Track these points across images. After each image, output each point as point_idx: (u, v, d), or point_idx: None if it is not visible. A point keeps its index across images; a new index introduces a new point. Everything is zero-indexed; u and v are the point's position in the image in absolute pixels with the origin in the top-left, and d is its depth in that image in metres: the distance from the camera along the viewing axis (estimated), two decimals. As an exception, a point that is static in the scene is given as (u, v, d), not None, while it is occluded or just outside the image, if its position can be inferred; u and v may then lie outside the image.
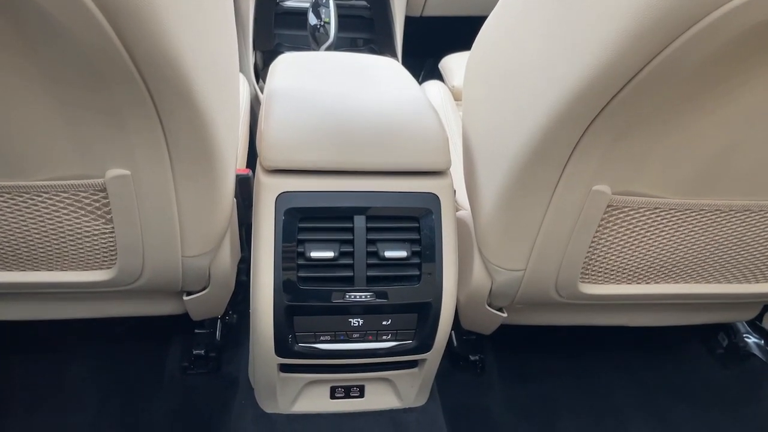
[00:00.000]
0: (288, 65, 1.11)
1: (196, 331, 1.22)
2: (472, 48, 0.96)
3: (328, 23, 1.51)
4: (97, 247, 0.86)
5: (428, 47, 2.11)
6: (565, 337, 1.34)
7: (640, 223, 0.88)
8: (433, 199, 0.88)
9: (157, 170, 0.74)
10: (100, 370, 1.21)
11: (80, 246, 0.85)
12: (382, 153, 0.86)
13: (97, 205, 0.80)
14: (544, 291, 0.97)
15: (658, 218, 0.88)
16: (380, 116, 0.91)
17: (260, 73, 1.76)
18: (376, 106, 0.93)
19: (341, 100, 0.94)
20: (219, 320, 1.24)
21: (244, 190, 0.99)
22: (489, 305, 1.03)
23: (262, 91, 1.54)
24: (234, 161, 0.90)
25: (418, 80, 2.03)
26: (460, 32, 2.04)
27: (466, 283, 1.00)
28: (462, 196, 1.11)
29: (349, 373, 1.02)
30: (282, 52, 1.75)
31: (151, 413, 1.13)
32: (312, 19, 1.52)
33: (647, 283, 1.00)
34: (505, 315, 1.05)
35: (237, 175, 1.08)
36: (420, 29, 2.05)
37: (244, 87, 1.48)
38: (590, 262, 0.93)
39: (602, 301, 1.00)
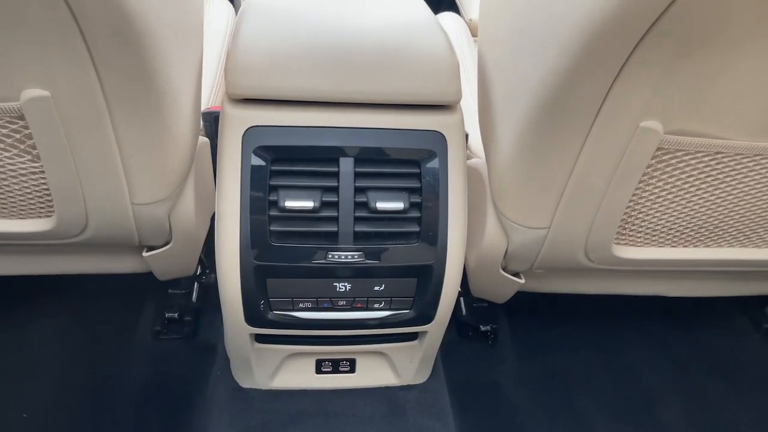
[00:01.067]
0: None
1: (170, 291, 1.08)
2: None
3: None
4: (29, 192, 0.72)
5: None
6: (589, 304, 1.22)
7: (695, 172, 0.73)
8: (439, 138, 0.73)
9: (83, 91, 0.60)
10: (65, 332, 1.10)
11: (9, 190, 0.71)
12: (376, 80, 0.71)
13: (18, 137, 0.66)
14: (571, 254, 0.84)
15: (719, 165, 0.73)
16: (376, 35, 0.74)
17: None
18: (371, 24, 0.76)
19: (329, 15, 0.77)
20: (195, 280, 1.10)
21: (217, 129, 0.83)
22: (503, 269, 0.90)
23: None
24: (194, 91, 0.74)
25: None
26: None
27: (477, 243, 0.87)
28: (475, 142, 0.95)
29: (337, 346, 0.89)
30: None
31: (119, 381, 1.03)
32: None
33: (695, 246, 0.86)
34: (522, 281, 0.92)
35: (209, 113, 0.92)
36: None
37: (229, 13, 1.30)
38: (629, 219, 0.79)
39: (638, 266, 0.88)
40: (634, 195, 0.74)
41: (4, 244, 0.85)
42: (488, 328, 1.14)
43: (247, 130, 0.70)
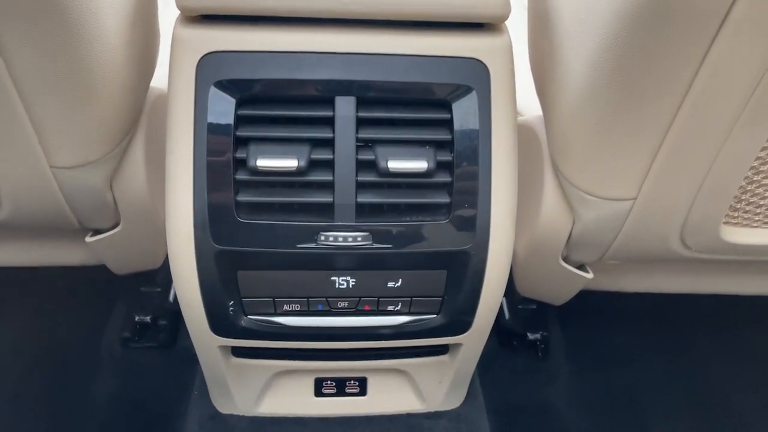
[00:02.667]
0: None
1: (142, 289, 0.91)
2: None
3: None
4: None
5: None
6: (663, 304, 1.06)
7: None
8: (478, 68, 0.55)
9: None
10: (20, 337, 0.97)
11: None
12: None
13: None
14: (662, 238, 0.65)
15: None
16: None
17: None
18: None
19: None
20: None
21: None
22: (564, 260, 0.71)
23: None
24: (131, 22, 0.56)
25: None
26: None
27: (530, 222, 0.68)
28: (523, 94, 0.74)
29: (342, 361, 0.72)
30: None
31: (79, 396, 0.89)
32: None
33: None
34: (589, 276, 0.73)
35: None
36: None
37: None
38: (747, 191, 0.61)
39: (752, 255, 0.70)
40: (757, 159, 0.56)
41: None
42: (537, 336, 0.98)
43: (203, 57, 0.53)
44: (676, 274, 0.84)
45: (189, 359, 0.90)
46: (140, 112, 0.62)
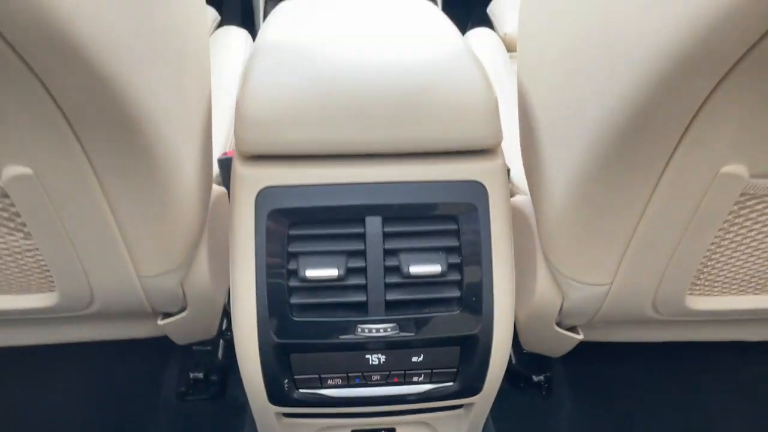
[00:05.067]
0: (288, 11, 0.85)
1: (195, 348, 1.01)
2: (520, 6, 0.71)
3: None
4: (27, 268, 0.66)
5: None
6: (659, 343, 1.06)
7: None
8: (478, 189, 0.64)
9: (69, 167, 0.53)
10: (84, 395, 1.05)
11: (5, 267, 0.66)
12: (404, 126, 0.62)
13: (6, 215, 0.59)
14: (637, 308, 0.74)
15: None
16: (402, 74, 0.65)
17: None
18: (396, 61, 0.67)
19: (349, 53, 0.69)
20: (219, 336, 1.02)
21: None
22: (558, 324, 0.80)
23: None
24: (201, 151, 0.67)
25: (463, 32, 1.67)
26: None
27: (528, 297, 0.77)
28: (518, 175, 0.84)
29: (375, 417, 0.79)
30: None
31: None
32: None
33: None
34: (579, 337, 0.82)
35: (225, 159, 0.85)
36: None
37: (246, 46, 1.23)
38: (705, 270, 0.69)
39: (715, 317, 0.77)
40: (712, 244, 0.64)
41: (10, 319, 0.79)
42: (541, 378, 1.04)
43: (260, 191, 0.62)
44: (656, 329, 0.90)
45: (237, 408, 0.99)
46: (204, 224, 0.73)
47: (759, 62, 0.43)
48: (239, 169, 0.63)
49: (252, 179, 0.63)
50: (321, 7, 0.86)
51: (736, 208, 0.60)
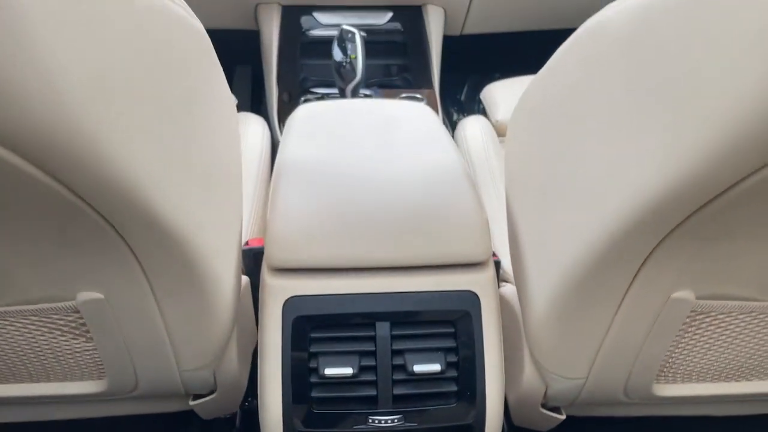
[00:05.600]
0: (303, 123, 0.98)
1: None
2: (509, 121, 0.81)
3: (355, 59, 1.36)
4: (82, 362, 0.76)
5: (470, 67, 1.93)
6: None
7: (731, 326, 0.74)
8: (471, 298, 0.75)
9: (134, 291, 0.64)
10: None
11: (65, 362, 0.76)
12: (407, 245, 0.75)
13: (74, 325, 0.70)
14: (611, 395, 0.84)
15: (755, 321, 0.72)
16: (405, 197, 0.77)
17: (286, 109, 1.63)
18: (400, 183, 0.79)
19: (360, 176, 0.81)
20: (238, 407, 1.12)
21: (260, 264, 0.85)
22: (543, 406, 0.89)
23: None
24: (235, 262, 0.77)
25: (459, 99, 1.81)
26: (505, 50, 1.88)
27: (516, 384, 0.87)
28: (508, 264, 0.95)
29: None
30: (308, 89, 1.63)
31: None
32: (337, 55, 1.38)
33: (737, 381, 0.83)
34: (562, 417, 0.91)
35: (249, 250, 0.95)
36: (461, 48, 1.88)
37: (264, 133, 1.36)
38: (667, 364, 0.79)
39: (680, 402, 0.88)
40: (671, 347, 0.74)
41: (62, 401, 0.88)
42: None
43: (287, 300, 0.74)
44: (632, 408, 0.96)
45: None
46: (234, 323, 0.81)
47: (700, 222, 0.54)
48: (269, 279, 0.75)
49: (280, 289, 0.74)
50: (330, 119, 0.98)
51: (688, 320, 0.70)
